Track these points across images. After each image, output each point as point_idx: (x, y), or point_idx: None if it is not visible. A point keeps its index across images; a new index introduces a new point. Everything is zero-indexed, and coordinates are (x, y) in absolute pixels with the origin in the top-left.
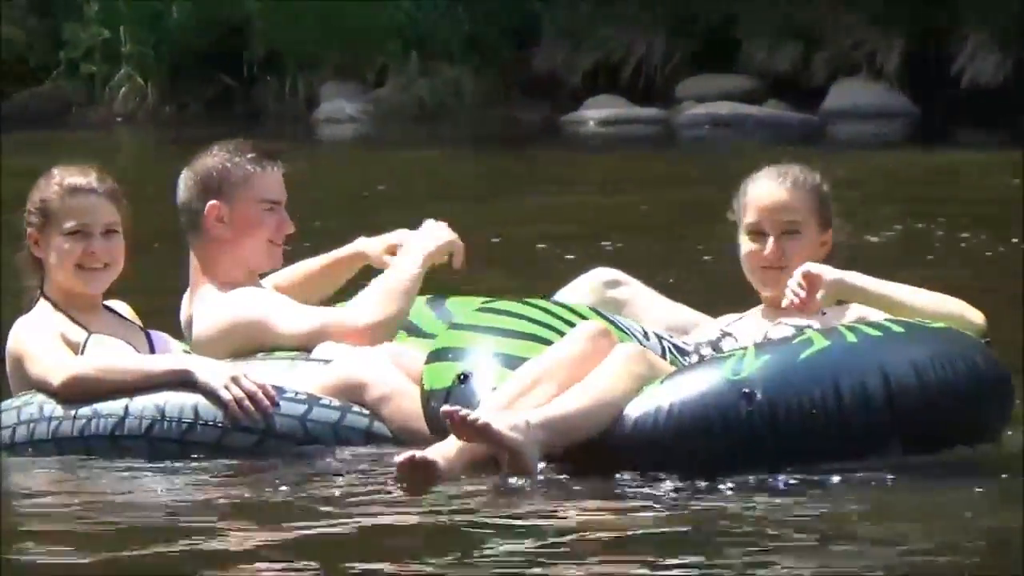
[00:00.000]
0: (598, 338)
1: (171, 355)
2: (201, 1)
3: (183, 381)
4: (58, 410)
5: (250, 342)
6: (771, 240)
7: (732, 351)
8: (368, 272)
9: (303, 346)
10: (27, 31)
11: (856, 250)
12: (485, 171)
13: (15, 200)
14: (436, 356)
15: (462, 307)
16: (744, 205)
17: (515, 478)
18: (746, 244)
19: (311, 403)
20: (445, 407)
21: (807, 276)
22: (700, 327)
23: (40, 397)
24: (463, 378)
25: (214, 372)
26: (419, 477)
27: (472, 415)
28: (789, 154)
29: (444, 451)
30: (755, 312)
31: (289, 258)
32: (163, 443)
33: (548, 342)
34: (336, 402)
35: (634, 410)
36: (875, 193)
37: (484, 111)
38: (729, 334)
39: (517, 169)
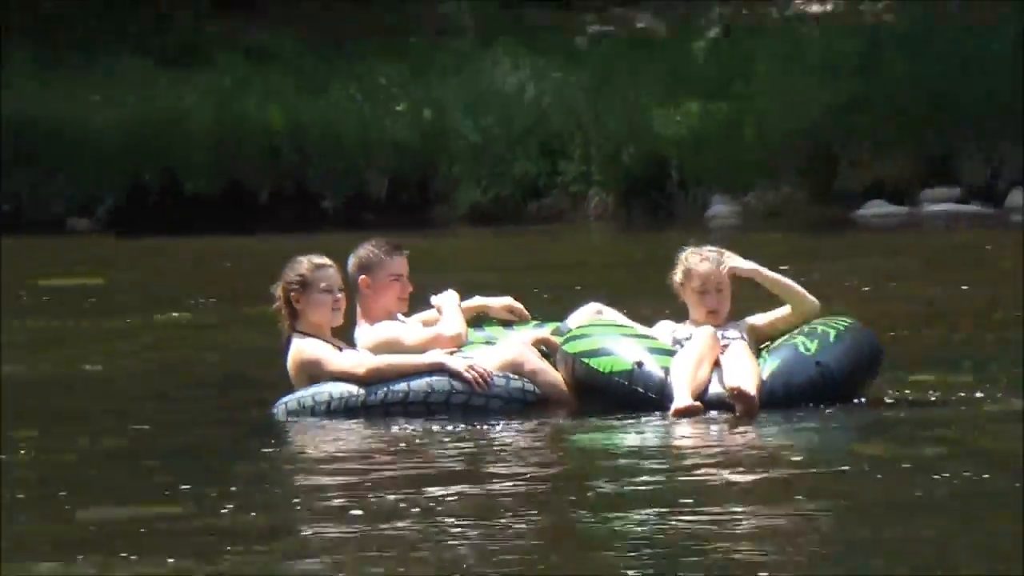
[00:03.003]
0: (715, 336)
1: (431, 352)
2: (638, 148)
3: (441, 369)
4: (361, 390)
5: (383, 350)
6: (715, 294)
7: (788, 339)
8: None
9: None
10: (538, 166)
11: None
12: (810, 247)
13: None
14: (594, 352)
15: (495, 330)
16: (691, 275)
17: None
18: (696, 297)
19: (507, 379)
20: (733, 385)
21: (732, 272)
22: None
23: (342, 384)
24: (640, 364)
25: (457, 363)
26: (692, 417)
27: (751, 392)
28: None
29: (690, 399)
30: (691, 324)
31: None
32: (435, 406)
33: (653, 339)
34: (516, 376)
35: (765, 377)
36: None
37: (807, 210)
38: (685, 338)
39: (827, 245)
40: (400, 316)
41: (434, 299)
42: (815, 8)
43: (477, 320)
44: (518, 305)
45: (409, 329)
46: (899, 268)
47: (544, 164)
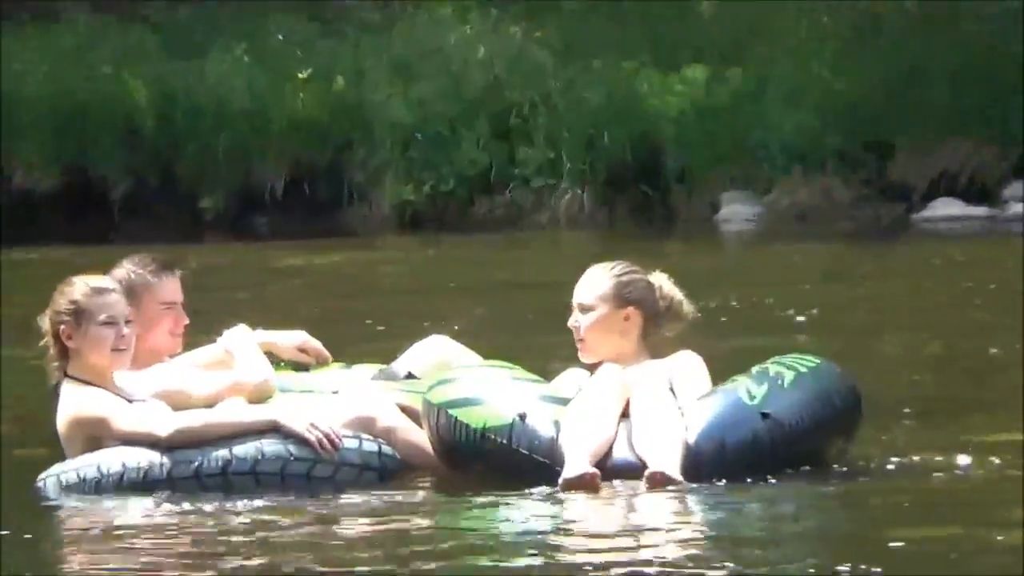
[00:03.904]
0: (619, 377)
1: (258, 408)
2: (624, 128)
3: (274, 428)
4: (166, 458)
5: (167, 400)
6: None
7: (729, 382)
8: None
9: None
10: (489, 153)
11: None
12: (852, 260)
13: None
14: (465, 402)
15: (364, 372)
16: None
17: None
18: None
19: (359, 438)
20: (650, 471)
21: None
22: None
23: (138, 451)
24: (523, 417)
25: (296, 420)
26: (587, 488)
27: (674, 477)
28: None
29: (587, 465)
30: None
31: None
32: (266, 476)
33: (542, 382)
34: (370, 437)
35: (691, 436)
36: None
37: (851, 211)
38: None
39: (877, 258)
40: (167, 358)
41: (223, 339)
42: None
43: None
44: (314, 343)
45: (197, 377)
46: (972, 289)
47: (498, 150)
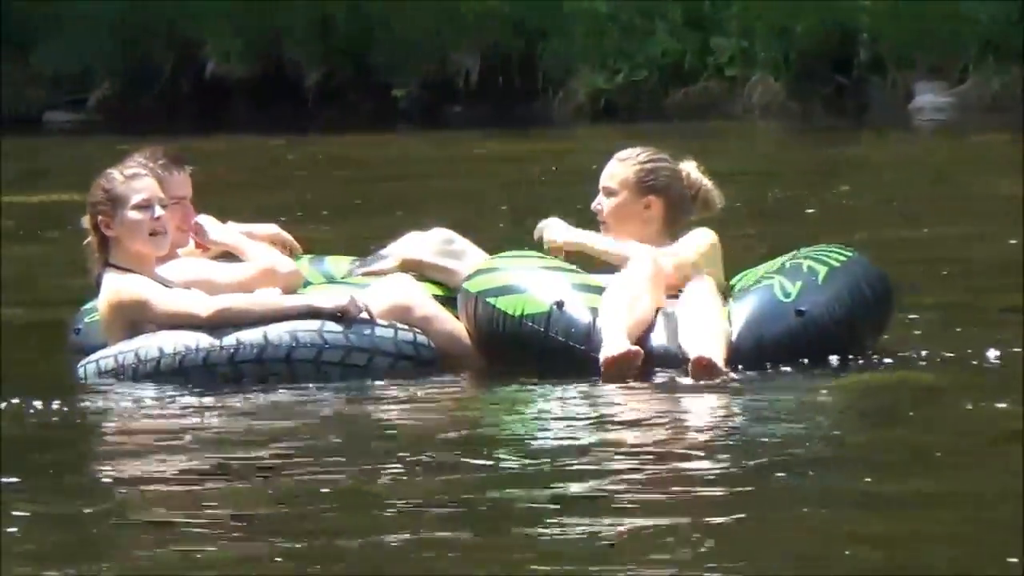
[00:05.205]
0: (657, 260)
1: (296, 296)
2: (817, 17)
3: (312, 314)
4: (203, 343)
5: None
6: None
7: (762, 278)
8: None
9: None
10: (683, 41)
11: None
12: None
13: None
14: (503, 290)
15: (336, 263)
16: None
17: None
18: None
19: (394, 327)
20: (697, 355)
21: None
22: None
23: (176, 335)
24: (560, 304)
25: (336, 299)
26: (629, 366)
27: (718, 363)
28: None
29: (627, 343)
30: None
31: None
32: (301, 364)
33: (579, 272)
34: (405, 327)
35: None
36: None
37: None
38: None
39: None
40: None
41: (218, 235)
42: None
43: (228, 256)
44: (285, 235)
45: (220, 267)
46: None
47: (691, 39)
